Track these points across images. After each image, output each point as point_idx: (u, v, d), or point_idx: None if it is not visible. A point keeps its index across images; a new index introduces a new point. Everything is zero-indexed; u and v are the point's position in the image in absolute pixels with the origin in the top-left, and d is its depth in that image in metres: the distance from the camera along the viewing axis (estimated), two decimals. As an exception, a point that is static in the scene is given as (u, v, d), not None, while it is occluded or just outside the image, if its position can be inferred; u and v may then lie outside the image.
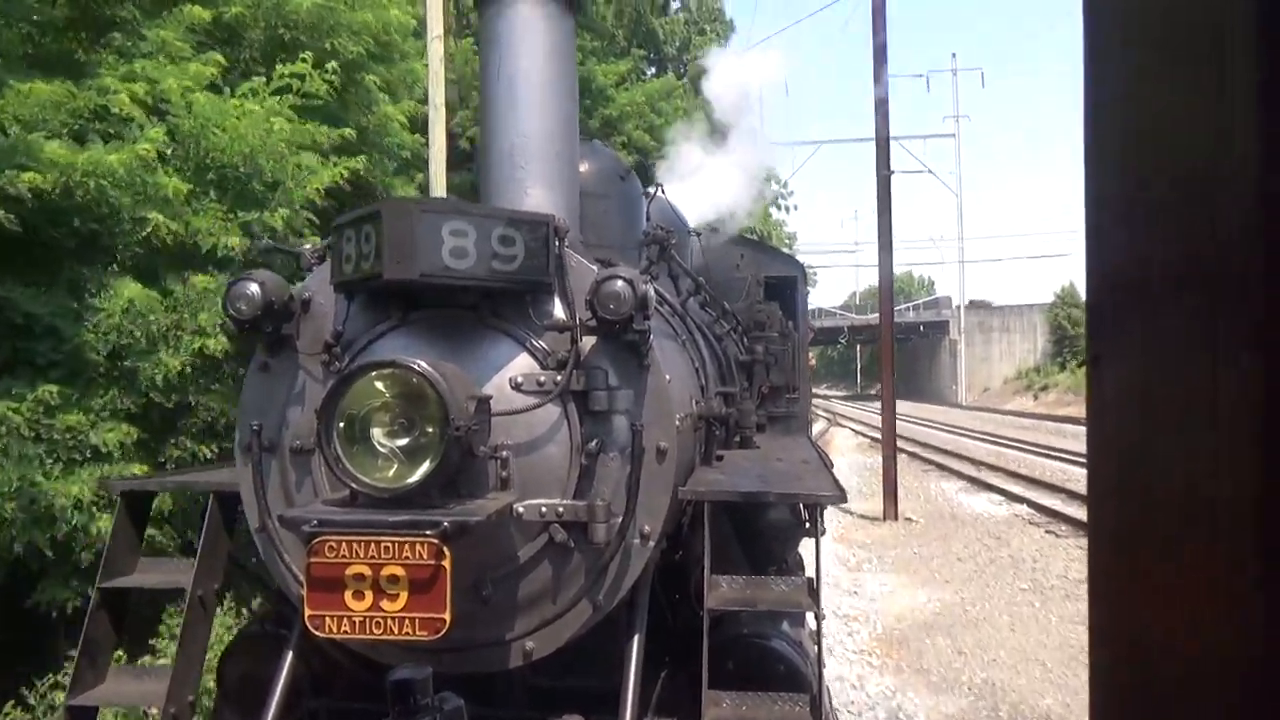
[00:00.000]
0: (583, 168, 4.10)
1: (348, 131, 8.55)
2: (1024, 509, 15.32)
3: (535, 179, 3.44)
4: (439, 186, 9.34)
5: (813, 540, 3.17)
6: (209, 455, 6.80)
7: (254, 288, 2.82)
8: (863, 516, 15.40)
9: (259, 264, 7.38)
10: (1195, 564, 0.67)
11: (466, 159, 14.82)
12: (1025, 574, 10.97)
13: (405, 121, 10.24)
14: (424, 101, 9.68)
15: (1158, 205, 0.71)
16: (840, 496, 3.06)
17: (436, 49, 9.35)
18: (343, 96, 9.16)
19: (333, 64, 8.13)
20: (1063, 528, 13.41)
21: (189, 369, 6.63)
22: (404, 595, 2.36)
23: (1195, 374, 0.66)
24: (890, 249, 15.51)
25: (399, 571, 2.35)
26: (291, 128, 7.60)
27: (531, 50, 3.47)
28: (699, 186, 9.15)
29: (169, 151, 6.87)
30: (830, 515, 14.13)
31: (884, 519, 15.00)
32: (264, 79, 7.71)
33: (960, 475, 20.15)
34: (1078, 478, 17.83)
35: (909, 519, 15.00)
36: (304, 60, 7.87)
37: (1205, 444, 0.65)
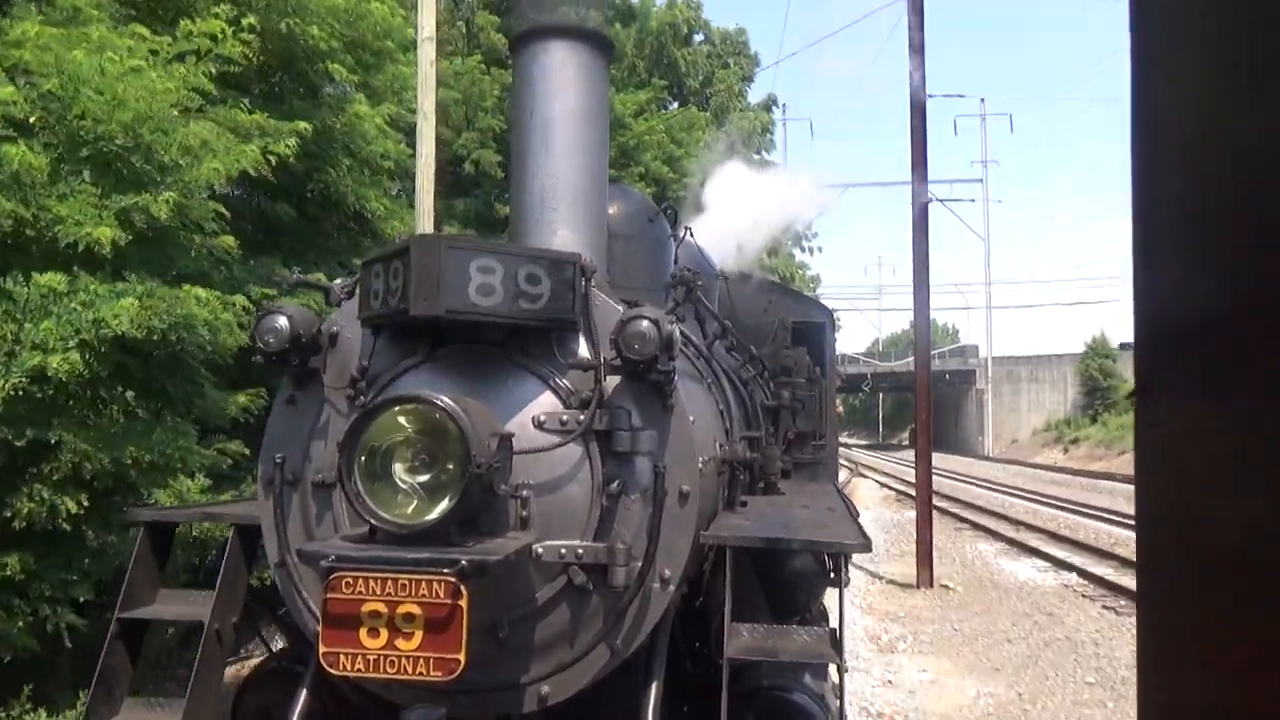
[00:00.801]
0: (611, 209, 4.12)
1: (303, 125, 7.26)
2: (1074, 578, 13.97)
3: (564, 220, 3.47)
4: (425, 200, 8.83)
5: (837, 590, 3.10)
6: (74, 510, 5.18)
7: (282, 320, 2.84)
8: (892, 582, 13.82)
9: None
10: (1256, 628, 0.62)
11: (473, 184, 14.31)
12: (1088, 661, 9.57)
13: (385, 126, 9.30)
14: (414, 109, 9.19)
15: (1211, 223, 0.67)
16: (865, 545, 3.00)
17: (427, 51, 8.84)
18: (313, 92, 8.37)
19: (249, 19, 6.82)
20: (1122, 602, 12.02)
21: (50, 395, 5.15)
22: (419, 634, 2.33)
23: (1251, 416, 0.62)
24: (927, 285, 13.93)
25: (415, 610, 2.33)
26: (182, 91, 6.03)
27: (564, 93, 3.52)
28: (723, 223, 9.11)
29: (32, 119, 5.46)
30: (858, 581, 13.09)
31: (918, 586, 13.33)
32: (170, 38, 6.40)
33: (997, 536, 18.60)
34: (1126, 542, 16.63)
35: (945, 586, 13.40)
36: (217, 16, 6.55)
37: (1265, 495, 0.61)
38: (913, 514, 20.48)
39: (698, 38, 25.53)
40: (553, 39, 3.54)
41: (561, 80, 3.52)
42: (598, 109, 3.65)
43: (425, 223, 8.94)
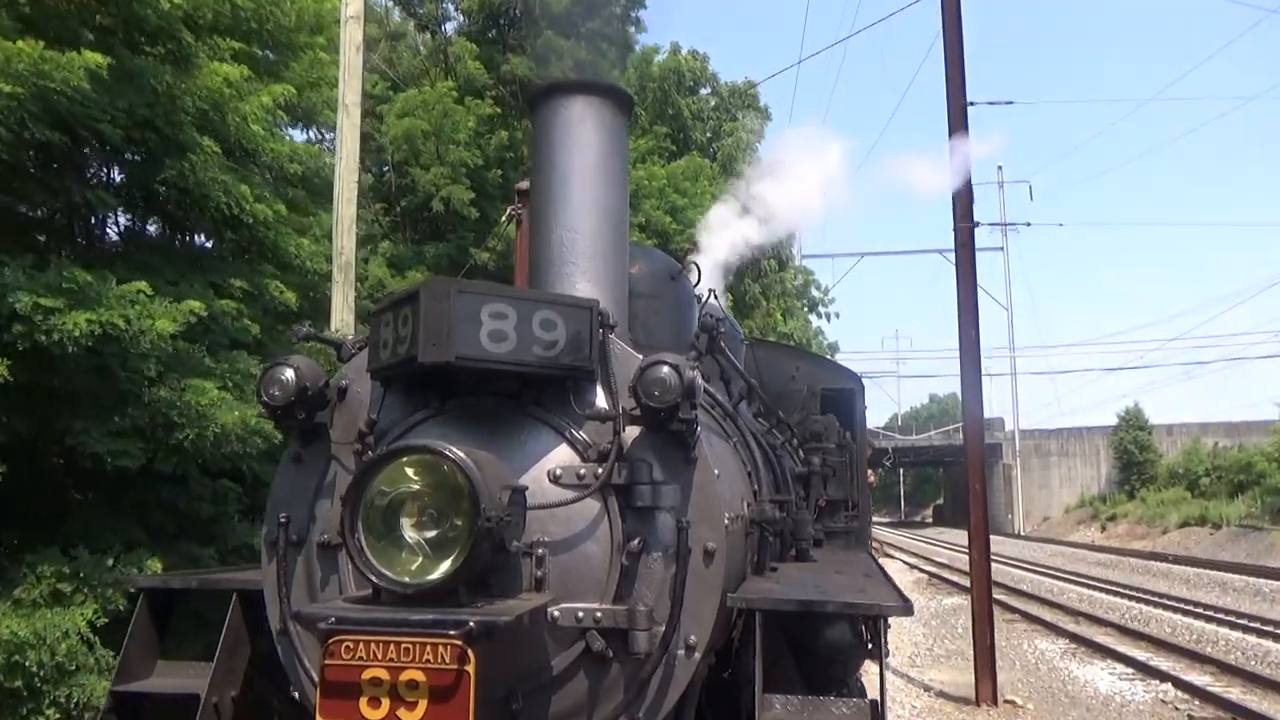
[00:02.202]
0: (634, 268, 4.05)
1: (95, 59, 5.34)
2: (1169, 690, 10.80)
3: (583, 273, 3.40)
4: (346, 211, 7.63)
5: (877, 663, 2.88)
6: None
7: (288, 373, 2.74)
8: (944, 695, 10.68)
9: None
10: None
11: (448, 227, 13.14)
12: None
13: (273, 109, 7.56)
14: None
15: None
16: (906, 608, 2.79)
17: (353, 34, 7.49)
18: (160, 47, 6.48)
19: None
20: (1244, 729, 9.00)
21: None
22: (423, 704, 2.15)
23: None
24: (976, 324, 11.04)
25: (419, 677, 2.15)
26: None
27: (584, 149, 3.48)
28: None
29: None
30: (900, 695, 10.82)
31: (977, 703, 10.29)
32: None
33: (1058, 631, 15.31)
34: (1213, 639, 13.88)
35: (1012, 702, 10.52)
36: None
37: None
38: (952, 601, 19.19)
39: (704, 90, 24.87)
40: (572, 93, 3.53)
41: (581, 133, 3.49)
42: (617, 164, 3.60)
43: (345, 240, 7.56)
